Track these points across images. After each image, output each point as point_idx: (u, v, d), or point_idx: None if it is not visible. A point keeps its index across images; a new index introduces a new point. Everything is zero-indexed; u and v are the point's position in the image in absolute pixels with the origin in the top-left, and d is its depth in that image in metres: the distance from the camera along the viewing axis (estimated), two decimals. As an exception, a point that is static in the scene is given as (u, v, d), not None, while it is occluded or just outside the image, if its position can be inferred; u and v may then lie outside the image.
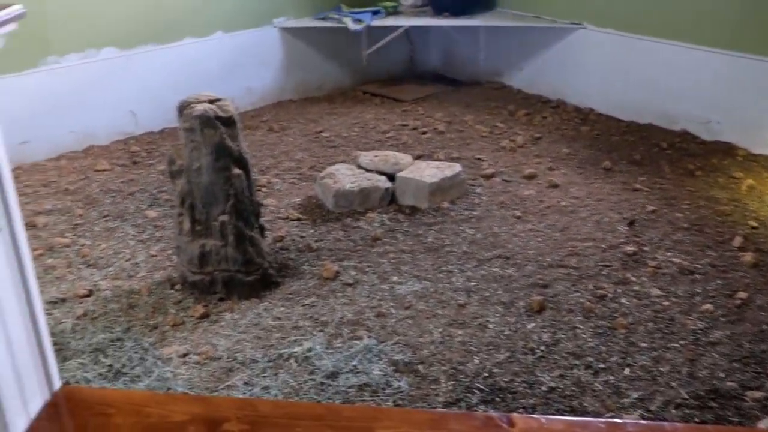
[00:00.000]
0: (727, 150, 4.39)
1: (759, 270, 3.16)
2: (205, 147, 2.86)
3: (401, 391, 2.48)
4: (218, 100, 2.96)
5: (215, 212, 2.93)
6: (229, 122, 2.91)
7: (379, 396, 2.46)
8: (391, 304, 2.95)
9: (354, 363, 2.60)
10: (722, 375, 2.54)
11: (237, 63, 5.17)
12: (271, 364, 2.60)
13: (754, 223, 3.55)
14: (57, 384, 1.48)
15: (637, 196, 3.87)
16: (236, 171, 2.91)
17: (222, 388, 2.49)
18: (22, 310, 1.39)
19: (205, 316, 2.88)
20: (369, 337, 2.74)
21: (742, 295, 2.96)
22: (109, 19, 4.53)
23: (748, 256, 3.23)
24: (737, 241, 3.37)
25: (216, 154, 2.87)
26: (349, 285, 3.08)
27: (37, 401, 1.41)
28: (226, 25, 5.07)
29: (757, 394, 2.44)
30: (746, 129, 4.36)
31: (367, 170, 3.86)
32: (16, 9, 1.27)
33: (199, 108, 2.85)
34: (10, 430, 1.28)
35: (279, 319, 2.86)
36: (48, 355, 1.45)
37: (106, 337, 2.75)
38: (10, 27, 1.27)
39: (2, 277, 1.31)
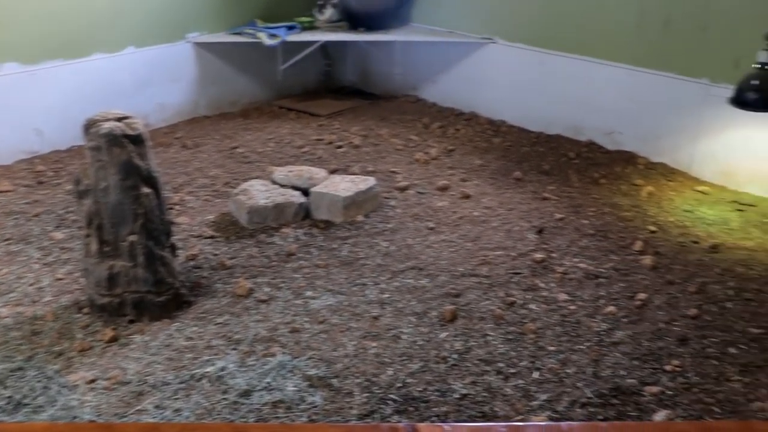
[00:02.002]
0: (629, 159, 4.57)
1: (657, 272, 3.31)
2: (112, 166, 2.81)
3: (315, 406, 2.49)
4: (126, 117, 2.90)
5: (124, 232, 2.88)
6: (137, 140, 2.86)
7: (293, 412, 2.46)
8: (306, 319, 2.96)
9: (268, 380, 2.59)
10: (624, 373, 2.64)
11: (149, 79, 5.09)
12: (183, 385, 2.57)
13: (653, 228, 3.70)
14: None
15: (545, 204, 3.99)
16: (145, 190, 2.87)
17: (132, 413, 2.45)
18: None
19: (114, 339, 2.82)
20: (283, 353, 2.74)
21: (642, 296, 3.09)
22: (10, 32, 4.39)
23: (647, 259, 3.37)
24: (638, 245, 3.51)
25: (124, 173, 2.82)
26: (263, 302, 3.07)
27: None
28: (137, 40, 4.99)
29: (654, 389, 2.55)
30: (646, 139, 4.56)
31: (282, 185, 3.86)
32: None
33: (106, 126, 2.80)
34: None
35: (191, 339, 2.83)
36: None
37: (5, 367, 2.65)
38: None
39: None
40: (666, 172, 4.39)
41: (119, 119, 2.88)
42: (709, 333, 2.87)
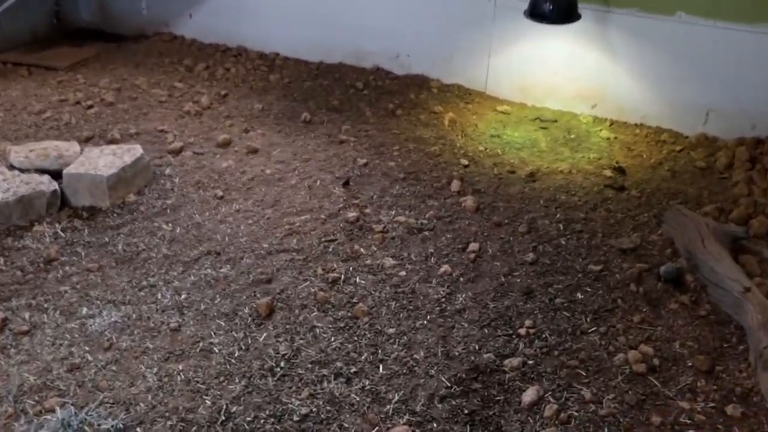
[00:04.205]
0: (421, 83, 4.24)
1: (482, 214, 3.03)
2: None
3: (120, 472, 1.93)
4: None
5: None
6: None
7: (91, 486, 1.89)
8: (86, 348, 2.32)
9: (49, 449, 1.98)
10: (477, 347, 2.33)
11: None
12: (-74, 486, 1.89)
13: (465, 161, 3.42)
14: None
15: (345, 148, 3.55)
16: None
17: None
18: None
19: None
20: (64, 405, 2.11)
21: (473, 246, 2.80)
22: None
23: (469, 201, 3.08)
24: (455, 185, 3.21)
25: None
26: (25, 333, 2.38)
27: None
28: None
29: (515, 362, 2.26)
30: (435, 60, 4.24)
31: (23, 170, 3.09)
32: None
33: None
34: None
35: (-71, 410, 2.11)
36: None
37: None
38: None
39: None
40: (462, 94, 4.12)
41: None
42: (551, 279, 2.63)
